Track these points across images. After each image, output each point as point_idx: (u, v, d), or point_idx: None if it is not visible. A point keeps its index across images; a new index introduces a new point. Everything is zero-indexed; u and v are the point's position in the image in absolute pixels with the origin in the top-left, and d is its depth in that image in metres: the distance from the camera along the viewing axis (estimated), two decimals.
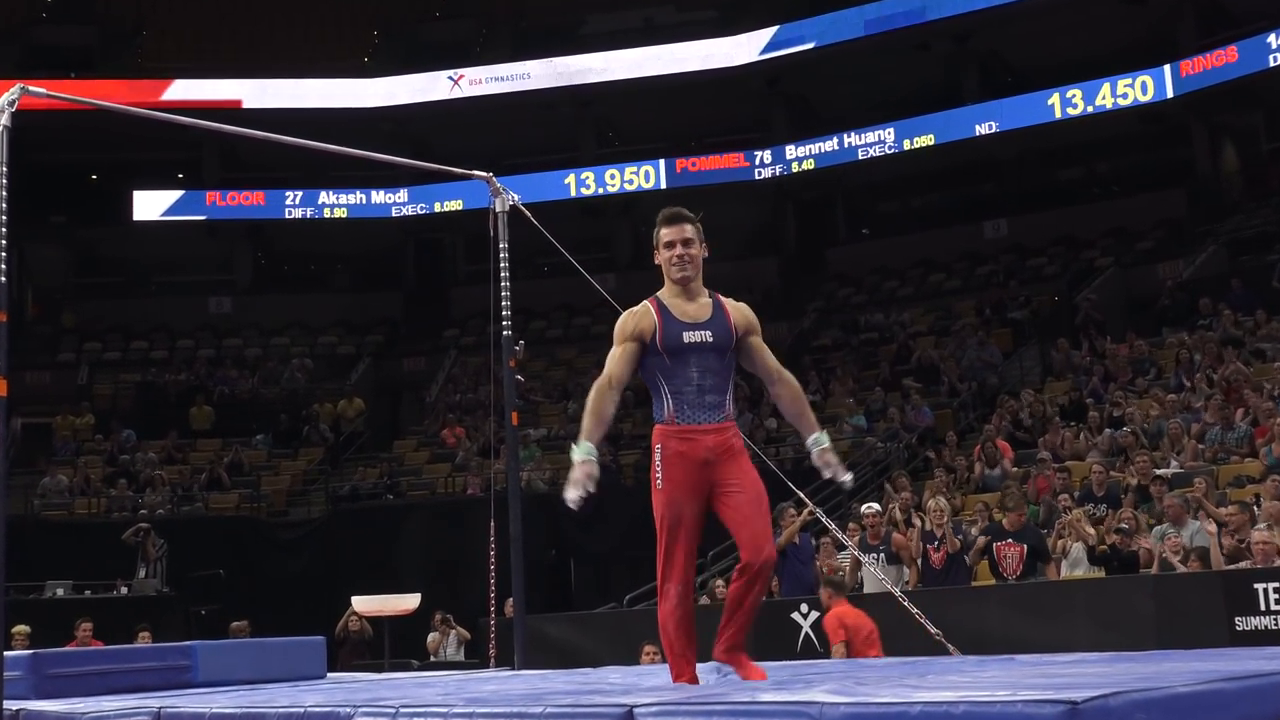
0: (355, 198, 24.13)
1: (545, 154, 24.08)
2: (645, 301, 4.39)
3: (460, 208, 23.24)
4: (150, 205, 23.75)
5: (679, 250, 4.32)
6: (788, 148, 22.68)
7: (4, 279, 5.17)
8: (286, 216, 24.04)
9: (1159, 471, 11.56)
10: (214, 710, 4.24)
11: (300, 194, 23.90)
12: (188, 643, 6.36)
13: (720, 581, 12.41)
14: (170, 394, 21.91)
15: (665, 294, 4.38)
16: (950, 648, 6.13)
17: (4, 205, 5.24)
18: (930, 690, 3.11)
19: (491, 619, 7.74)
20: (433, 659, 12.62)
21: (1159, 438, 12.78)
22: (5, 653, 4.90)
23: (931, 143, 21.38)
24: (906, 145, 21.54)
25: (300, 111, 22.54)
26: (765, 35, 22.61)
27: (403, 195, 24.09)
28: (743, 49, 22.75)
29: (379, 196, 24.16)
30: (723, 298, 4.40)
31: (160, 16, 25.78)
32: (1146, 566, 9.62)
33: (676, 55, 23.07)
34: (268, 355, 23.36)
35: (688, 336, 4.26)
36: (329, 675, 6.28)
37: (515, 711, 3.47)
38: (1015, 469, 13.44)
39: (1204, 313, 16.32)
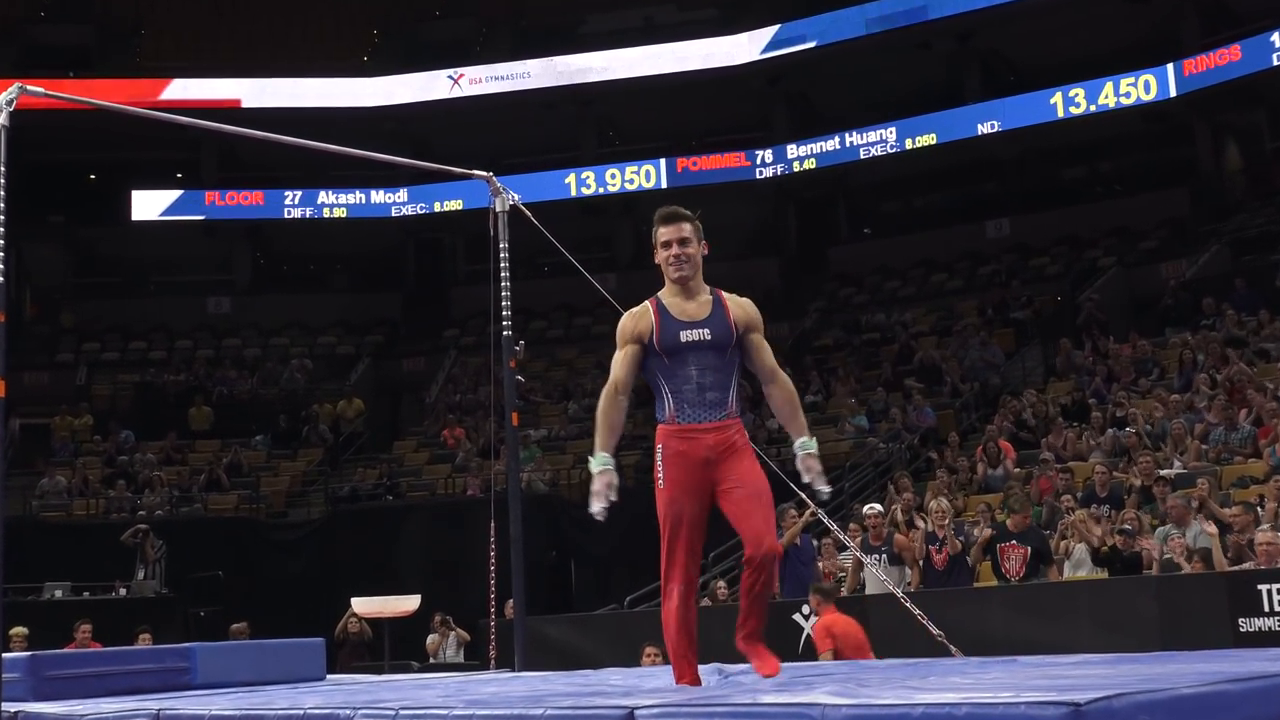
0: (355, 197, 24.09)
1: (545, 153, 24.05)
2: (646, 302, 4.39)
3: (460, 207, 23.20)
4: (149, 205, 23.71)
5: (675, 250, 4.31)
6: (789, 147, 22.65)
7: (2, 279, 5.16)
8: (285, 216, 24.00)
9: (1162, 472, 11.52)
10: (213, 712, 4.23)
11: (299, 194, 23.86)
12: (186, 644, 6.36)
13: (722, 583, 12.36)
14: (169, 394, 21.87)
15: (665, 293, 4.38)
16: (952, 649, 6.11)
17: (2, 205, 5.23)
18: (933, 692, 3.10)
19: (492, 620, 7.72)
20: (432, 661, 12.59)
21: (1162, 438, 12.74)
22: (4, 654, 4.89)
23: (933, 142, 21.34)
24: (908, 144, 21.51)
25: (299, 111, 22.52)
26: (766, 34, 22.57)
27: (402, 195, 24.05)
28: (743, 48, 22.72)
29: (378, 196, 24.12)
30: (726, 294, 4.38)
31: (159, 16, 25.74)
32: (1149, 568, 9.60)
33: (677, 54, 23.04)
34: (267, 356, 23.32)
35: (685, 335, 4.25)
36: (328, 677, 6.27)
37: (516, 714, 3.46)
38: (1018, 470, 13.39)
39: (1207, 313, 16.29)
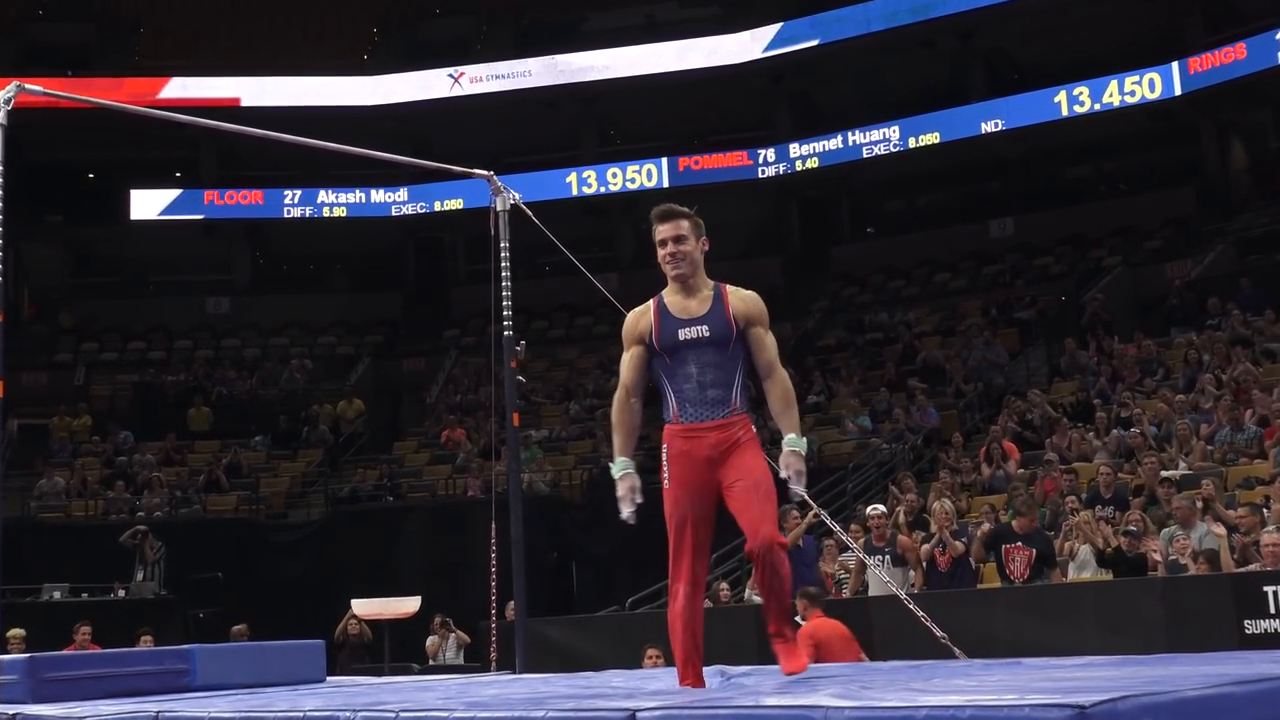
0: (354, 197, 24.05)
1: (546, 152, 24.01)
2: (649, 301, 4.38)
3: (461, 207, 23.17)
4: (147, 204, 23.66)
5: (671, 248, 4.30)
6: (792, 146, 22.60)
7: (0, 279, 5.16)
8: (285, 216, 23.97)
9: (1167, 473, 11.45)
10: (212, 714, 4.21)
11: (299, 193, 23.82)
12: (186, 646, 6.33)
13: (725, 584, 12.28)
14: (168, 395, 21.87)
15: (667, 292, 4.36)
16: (956, 651, 6.07)
17: (0, 204, 5.22)
18: (936, 694, 3.09)
19: (492, 622, 7.65)
20: (431, 663, 12.57)
21: (1167, 439, 12.67)
22: (2, 656, 4.90)
23: (937, 141, 21.29)
24: (911, 143, 21.45)
25: (299, 110, 22.45)
26: (769, 32, 22.51)
27: (403, 194, 24.01)
28: (746, 46, 22.66)
29: (378, 195, 24.08)
30: (730, 289, 4.34)
31: (158, 14, 25.71)
32: (1154, 569, 9.55)
33: (679, 52, 22.99)
34: (266, 356, 23.30)
35: (683, 334, 4.22)
36: (328, 679, 6.24)
37: (517, 716, 3.45)
38: (1021, 470, 13.32)
39: (1212, 312, 16.22)
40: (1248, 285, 16.64)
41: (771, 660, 7.32)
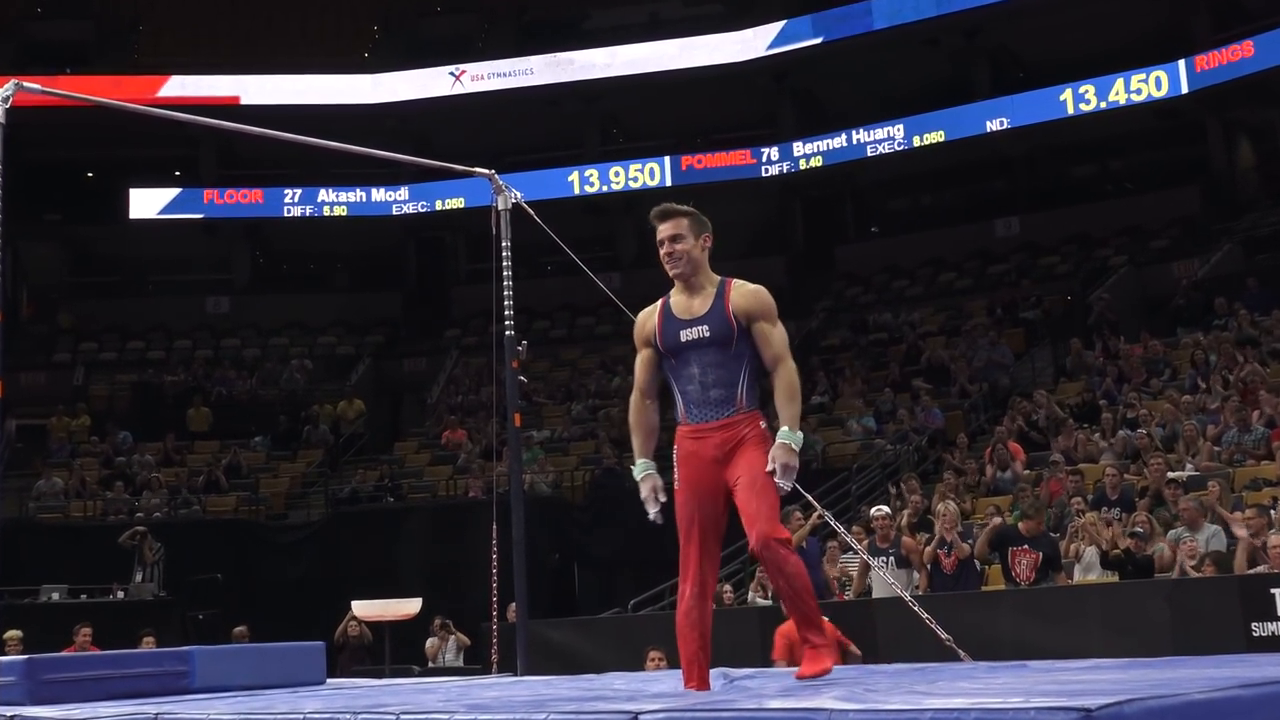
0: (355, 196, 24.00)
1: (548, 151, 23.98)
2: (657, 301, 4.36)
3: (462, 206, 23.12)
4: (147, 203, 23.61)
5: (668, 247, 4.28)
6: (795, 144, 22.54)
7: None
8: (285, 215, 23.92)
9: (1173, 474, 11.44)
10: (211, 716, 4.19)
11: (299, 192, 23.76)
12: (185, 648, 6.30)
13: (729, 586, 12.19)
14: (167, 395, 21.83)
15: (673, 291, 4.34)
16: (961, 653, 5.97)
17: None
18: (941, 697, 3.09)
19: (494, 624, 7.57)
20: (431, 665, 12.56)
21: (1174, 440, 12.63)
22: (0, 658, 4.74)
23: (941, 139, 21.24)
24: (916, 142, 21.41)
25: (299, 108, 22.38)
26: (772, 30, 22.46)
27: (403, 193, 23.95)
28: (749, 44, 22.61)
29: (379, 194, 24.02)
30: (734, 284, 4.28)
31: (157, 12, 25.72)
32: (1161, 571, 9.52)
33: (682, 50, 22.95)
34: (266, 356, 23.26)
35: (685, 335, 4.20)
36: (328, 681, 6.19)
37: (518, 718, 3.43)
38: (1027, 471, 13.29)
39: (1219, 312, 16.19)
40: (1255, 285, 16.63)
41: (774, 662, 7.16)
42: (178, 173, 24.70)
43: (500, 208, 6.92)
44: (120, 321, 23.98)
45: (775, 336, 4.22)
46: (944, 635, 6.17)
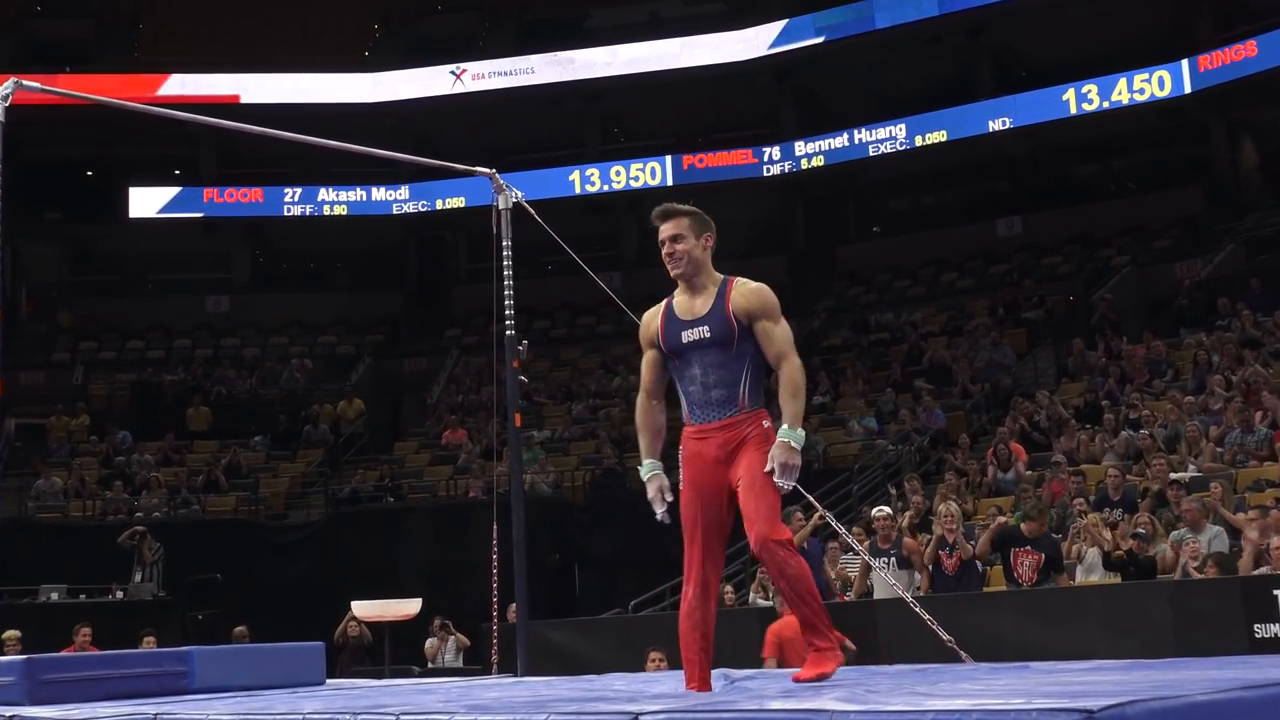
0: (355, 195, 23.96)
1: (549, 150, 23.92)
2: (662, 301, 4.35)
3: (462, 205, 23.08)
4: (146, 202, 23.57)
5: (668, 248, 4.27)
6: (797, 144, 22.48)
7: None
8: (285, 214, 23.88)
9: (1176, 475, 11.43)
10: (211, 717, 4.18)
11: (299, 191, 23.72)
12: (184, 648, 6.28)
13: (730, 587, 12.14)
14: (167, 394, 21.78)
15: (677, 291, 4.32)
16: (963, 655, 5.92)
17: None
18: (942, 698, 3.08)
19: (494, 624, 7.55)
20: (430, 665, 12.55)
21: (1176, 441, 12.59)
22: None
23: (944, 139, 21.18)
24: (918, 141, 21.35)
25: (299, 107, 22.32)
26: (774, 29, 22.42)
27: (404, 192, 23.91)
28: (751, 43, 22.57)
29: (379, 193, 23.98)
30: (735, 283, 4.25)
31: (157, 10, 25.70)
32: (1163, 572, 9.50)
33: (684, 49, 22.91)
34: (266, 355, 23.22)
35: (686, 336, 4.19)
36: (328, 682, 6.17)
37: (518, 719, 3.43)
38: (1029, 472, 13.25)
39: (1222, 313, 16.15)
40: (1258, 285, 16.56)
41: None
42: (177, 171, 24.66)
43: (501, 207, 6.91)
44: (120, 321, 23.94)
45: (777, 334, 4.18)
46: (945, 636, 6.13)
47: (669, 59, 22.82)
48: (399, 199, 23.94)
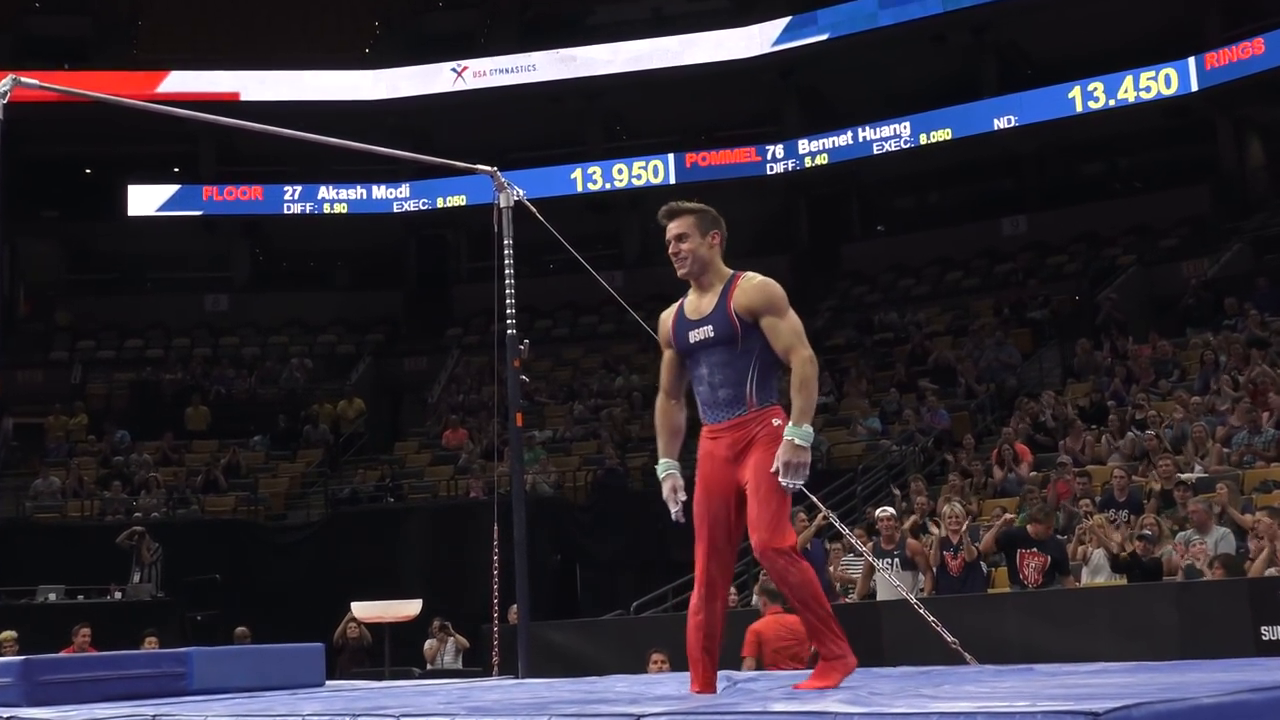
0: (355, 193, 23.90)
1: (551, 148, 23.89)
2: (679, 300, 4.34)
3: (463, 203, 23.02)
4: (145, 200, 23.50)
5: (674, 247, 4.26)
6: (800, 142, 22.41)
7: None
8: (285, 212, 23.82)
9: (1182, 476, 11.38)
10: (209, 718, 4.19)
11: (299, 189, 23.66)
12: (183, 649, 6.25)
13: (732, 588, 12.07)
14: (166, 394, 21.72)
15: (690, 291, 4.31)
16: (967, 657, 5.92)
17: None
18: (946, 700, 3.09)
19: (495, 625, 7.48)
20: (430, 667, 12.53)
21: (1183, 441, 12.56)
22: None
23: (948, 137, 21.08)
24: (923, 139, 21.26)
25: (299, 104, 22.26)
26: (778, 26, 22.36)
27: (404, 190, 23.86)
28: (754, 40, 22.50)
29: (380, 191, 23.92)
30: (741, 279, 4.22)
31: (156, 7, 25.71)
32: (1170, 574, 9.48)
33: (686, 46, 22.86)
34: (266, 354, 23.18)
35: (693, 336, 4.19)
36: (327, 683, 6.14)
37: None
38: (1034, 473, 13.23)
39: (1229, 312, 16.09)
40: (1265, 285, 16.54)
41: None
42: (177, 169, 24.62)
43: (502, 205, 6.90)
44: (118, 319, 23.87)
45: (783, 328, 4.12)
46: (950, 638, 6.16)
47: (671, 56, 22.77)
48: (399, 197, 23.89)
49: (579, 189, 22.98)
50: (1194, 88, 19.26)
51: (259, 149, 23.16)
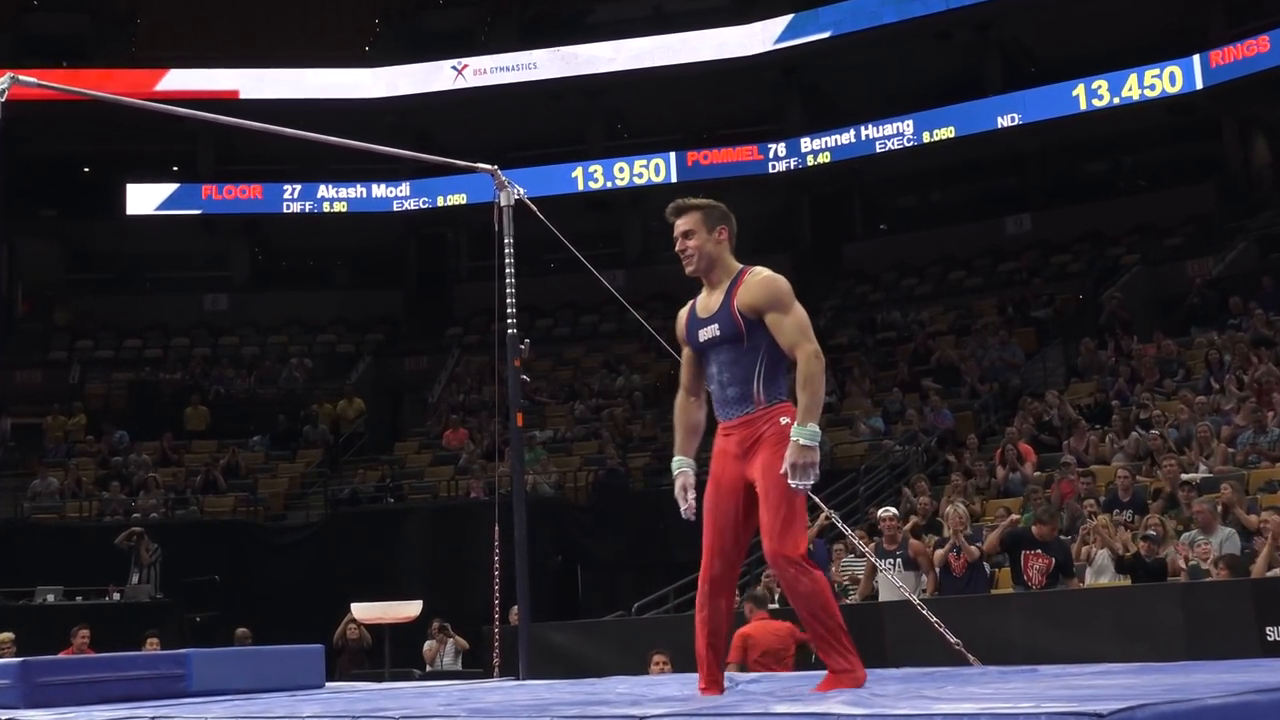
0: (355, 191, 23.85)
1: (552, 146, 23.84)
2: (695, 297, 4.34)
3: (464, 202, 22.98)
4: (144, 199, 23.45)
5: (680, 244, 4.24)
6: (803, 140, 22.34)
7: None
8: (284, 211, 23.78)
9: (1187, 476, 11.38)
10: None
11: (299, 187, 23.62)
12: (182, 650, 6.23)
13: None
14: (165, 394, 21.69)
15: (702, 288, 4.30)
16: (971, 658, 5.87)
17: None
18: (950, 702, 3.09)
19: (495, 627, 7.45)
20: (429, 668, 12.52)
21: (1187, 441, 12.53)
22: None
23: (952, 135, 21.00)
24: (926, 138, 21.19)
25: (299, 102, 22.20)
26: (780, 24, 22.31)
27: (404, 189, 23.82)
28: (756, 38, 22.45)
29: (380, 190, 23.86)
30: (746, 275, 4.18)
31: (154, 5, 25.73)
32: (1174, 574, 9.45)
33: (688, 44, 22.81)
34: (265, 354, 23.14)
35: (702, 335, 4.18)
36: (327, 685, 6.13)
37: None
38: (1038, 473, 13.18)
39: (1234, 312, 16.07)
40: (1270, 284, 16.48)
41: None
42: (175, 168, 24.60)
43: (503, 204, 6.89)
44: (117, 319, 23.83)
45: (787, 325, 4.08)
46: (953, 639, 6.11)
47: (673, 54, 22.70)
48: (399, 196, 23.84)
49: (580, 187, 22.91)
50: (1199, 86, 19.19)
51: (258, 147, 23.10)
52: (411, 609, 11.65)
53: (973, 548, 9.80)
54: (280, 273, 26.20)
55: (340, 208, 23.78)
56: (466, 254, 25.03)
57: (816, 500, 7.09)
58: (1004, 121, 20.64)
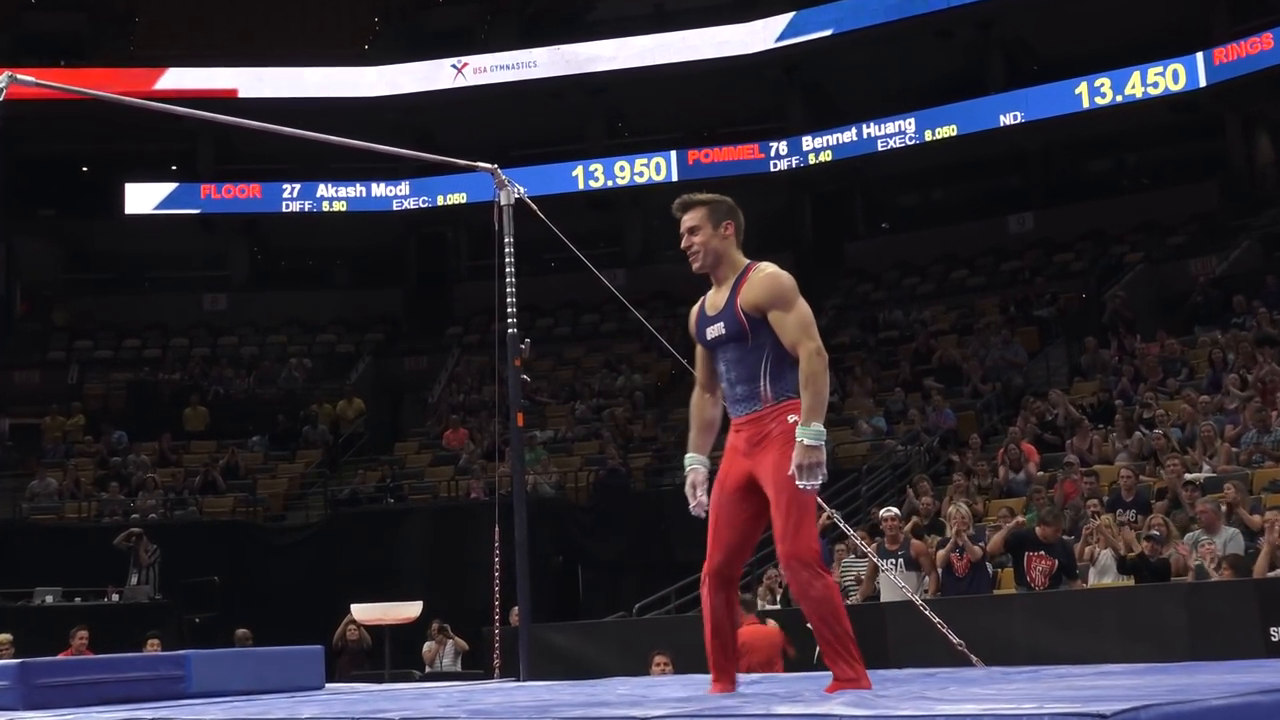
0: (355, 190, 23.83)
1: (552, 145, 23.83)
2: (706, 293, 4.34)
3: (464, 201, 22.96)
4: (143, 198, 23.42)
5: (685, 240, 4.22)
6: (804, 138, 22.31)
7: None
8: (284, 210, 23.76)
9: (1190, 476, 11.38)
10: None
11: (298, 186, 23.60)
12: (181, 652, 6.22)
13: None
14: (163, 394, 21.69)
15: (712, 285, 4.28)
16: (973, 659, 5.83)
17: None
18: (952, 703, 3.09)
19: (496, 627, 7.44)
20: (429, 669, 12.56)
21: (1191, 441, 12.50)
22: None
23: (954, 133, 20.97)
24: (928, 136, 21.15)
25: (298, 101, 22.17)
26: (781, 21, 22.28)
27: (404, 188, 23.80)
28: (758, 36, 22.42)
29: (379, 189, 23.84)
30: (751, 272, 4.14)
31: (153, 3, 25.79)
32: (1178, 574, 9.42)
33: (689, 42, 22.79)
34: (264, 354, 23.13)
35: (710, 333, 4.17)
36: (327, 686, 6.11)
37: None
38: (1041, 473, 13.15)
39: (1238, 310, 16.04)
40: (1274, 283, 16.44)
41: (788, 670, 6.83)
42: (174, 167, 24.61)
43: (503, 203, 6.86)
44: (116, 319, 23.82)
45: (789, 322, 4.05)
46: (956, 640, 6.08)
47: (674, 52, 22.69)
48: (399, 195, 23.82)
49: (580, 186, 22.88)
50: (1202, 83, 19.15)
51: (257, 146, 23.08)
52: (411, 610, 11.66)
53: (975, 548, 9.77)
54: (279, 272, 26.18)
55: (340, 207, 23.75)
56: (466, 253, 25.00)
57: (819, 500, 7.06)
58: (1006, 120, 20.60)
